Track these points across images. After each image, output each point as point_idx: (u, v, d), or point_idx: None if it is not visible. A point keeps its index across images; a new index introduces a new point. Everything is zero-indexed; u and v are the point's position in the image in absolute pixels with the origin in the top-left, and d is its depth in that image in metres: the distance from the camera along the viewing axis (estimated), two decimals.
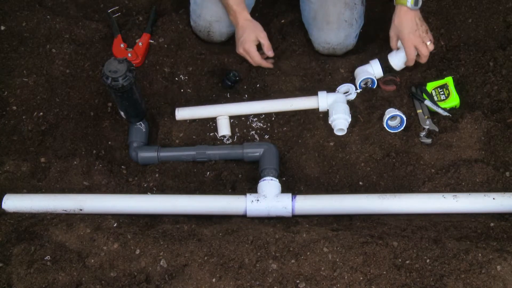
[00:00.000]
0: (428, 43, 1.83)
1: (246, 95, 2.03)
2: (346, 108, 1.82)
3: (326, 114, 1.88)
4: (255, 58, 1.90)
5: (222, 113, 1.89)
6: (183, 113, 1.90)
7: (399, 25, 1.81)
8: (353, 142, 1.80)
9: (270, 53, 1.91)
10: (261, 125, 1.96)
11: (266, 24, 2.22)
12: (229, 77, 1.99)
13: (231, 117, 1.94)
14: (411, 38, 1.80)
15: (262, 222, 1.62)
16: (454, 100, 1.87)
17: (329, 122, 1.82)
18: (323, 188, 1.75)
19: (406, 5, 1.78)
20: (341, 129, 1.79)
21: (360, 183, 1.75)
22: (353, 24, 2.00)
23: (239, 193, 1.69)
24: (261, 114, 1.98)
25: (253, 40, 1.88)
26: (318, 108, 1.87)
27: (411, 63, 1.88)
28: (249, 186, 1.75)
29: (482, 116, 1.79)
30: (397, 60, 1.93)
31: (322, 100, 1.85)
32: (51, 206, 1.62)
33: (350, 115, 1.81)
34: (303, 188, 1.76)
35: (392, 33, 1.85)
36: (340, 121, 1.79)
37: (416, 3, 1.78)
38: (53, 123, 1.89)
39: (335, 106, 1.83)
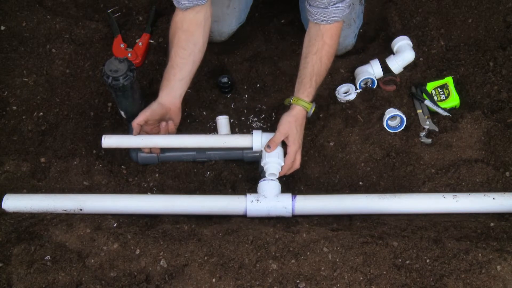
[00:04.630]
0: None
1: (246, 95, 2.03)
2: (280, 151, 1.69)
3: (326, 114, 1.88)
4: (134, 124, 1.70)
5: (149, 145, 1.74)
6: (109, 141, 1.74)
7: (295, 125, 1.67)
8: (353, 142, 1.80)
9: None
10: (261, 125, 1.96)
11: (266, 24, 2.22)
12: (220, 84, 1.99)
13: (230, 117, 1.93)
14: (296, 143, 1.68)
15: (262, 222, 1.62)
16: (454, 100, 1.86)
17: (261, 164, 1.69)
18: (323, 188, 1.75)
19: (307, 111, 1.71)
20: (273, 174, 1.66)
21: (360, 183, 1.75)
22: (352, 25, 2.00)
23: (239, 193, 1.69)
24: (261, 114, 1.98)
25: (148, 114, 1.70)
26: (252, 147, 1.73)
27: (287, 170, 1.71)
28: (249, 186, 1.75)
29: (482, 116, 1.79)
30: (396, 64, 1.94)
31: (256, 140, 1.72)
32: (51, 206, 1.61)
33: (284, 159, 1.68)
34: (303, 188, 1.76)
35: (283, 131, 1.67)
36: (273, 165, 1.66)
37: (311, 113, 1.74)
38: (53, 123, 1.89)
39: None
